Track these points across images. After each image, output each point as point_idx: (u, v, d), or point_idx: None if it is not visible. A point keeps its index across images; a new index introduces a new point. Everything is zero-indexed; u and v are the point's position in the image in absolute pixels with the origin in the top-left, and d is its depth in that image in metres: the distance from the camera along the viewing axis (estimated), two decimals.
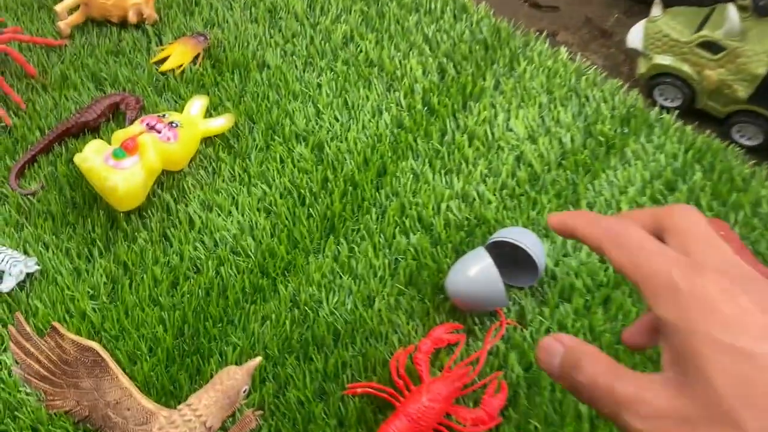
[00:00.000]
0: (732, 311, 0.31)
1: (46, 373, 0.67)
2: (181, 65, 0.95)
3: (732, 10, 0.79)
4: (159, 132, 0.79)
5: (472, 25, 0.98)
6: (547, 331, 0.70)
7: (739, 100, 0.83)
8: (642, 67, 0.90)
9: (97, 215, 0.80)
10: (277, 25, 1.01)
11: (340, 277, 0.75)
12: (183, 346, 0.70)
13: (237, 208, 0.81)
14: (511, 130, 0.86)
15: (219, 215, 0.80)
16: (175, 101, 0.92)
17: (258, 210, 0.80)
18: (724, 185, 0.80)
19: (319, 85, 0.93)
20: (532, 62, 0.93)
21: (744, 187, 0.80)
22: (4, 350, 0.70)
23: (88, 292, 0.74)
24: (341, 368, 0.68)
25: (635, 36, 0.89)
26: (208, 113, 0.90)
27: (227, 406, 0.61)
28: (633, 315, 0.69)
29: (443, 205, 0.79)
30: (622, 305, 0.70)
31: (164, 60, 0.97)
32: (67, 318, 0.72)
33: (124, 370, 0.67)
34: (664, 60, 0.87)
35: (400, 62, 0.94)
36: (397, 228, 0.78)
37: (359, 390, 0.66)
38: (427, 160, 0.84)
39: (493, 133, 0.86)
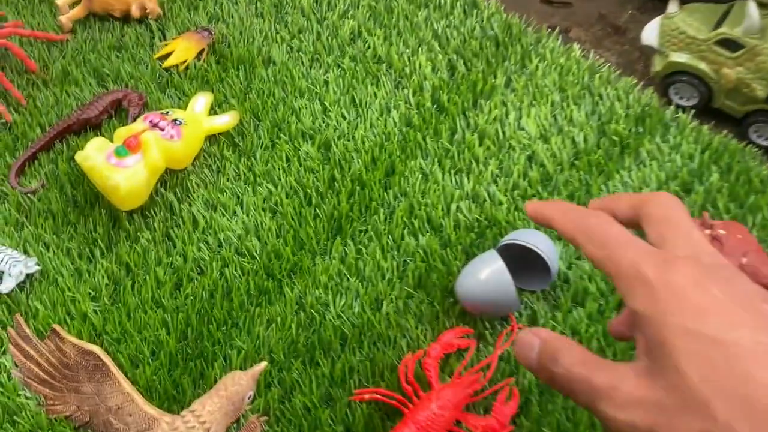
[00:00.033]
0: (701, 300, 0.32)
1: (46, 377, 0.66)
2: (185, 61, 0.94)
3: (752, 7, 0.78)
4: (162, 129, 0.79)
5: (482, 21, 0.97)
6: None
7: (757, 99, 0.82)
8: (657, 65, 0.89)
9: (98, 214, 0.79)
10: (283, 20, 1.00)
11: (348, 279, 0.74)
12: (186, 350, 0.69)
13: (242, 208, 0.80)
14: (522, 129, 0.85)
15: (223, 215, 0.79)
16: (179, 98, 0.92)
17: (263, 210, 0.79)
18: (742, 187, 0.79)
19: (326, 82, 0.92)
20: (544, 59, 0.92)
21: (762, 188, 0.78)
22: (4, 353, 0.69)
23: (90, 294, 0.73)
24: (348, 373, 0.67)
25: (650, 33, 0.88)
26: (213, 110, 0.89)
27: (231, 412, 0.60)
28: None
29: (453, 206, 0.78)
30: None
31: (168, 56, 0.96)
32: (68, 320, 0.71)
33: (126, 374, 0.67)
34: (680, 58, 0.86)
35: (408, 59, 0.93)
36: (406, 229, 0.77)
37: (367, 396, 0.65)
38: (436, 160, 0.83)
39: (504, 132, 0.85)
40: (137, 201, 0.78)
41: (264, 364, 0.62)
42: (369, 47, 0.96)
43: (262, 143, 0.86)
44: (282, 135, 0.86)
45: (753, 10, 0.78)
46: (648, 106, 0.86)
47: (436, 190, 0.80)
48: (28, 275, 0.74)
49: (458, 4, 1.00)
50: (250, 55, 0.95)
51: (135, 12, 1.00)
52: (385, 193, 0.80)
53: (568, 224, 0.41)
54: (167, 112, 0.82)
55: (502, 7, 1.00)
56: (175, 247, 0.77)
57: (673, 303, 0.33)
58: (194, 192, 0.82)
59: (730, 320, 0.32)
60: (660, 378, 0.32)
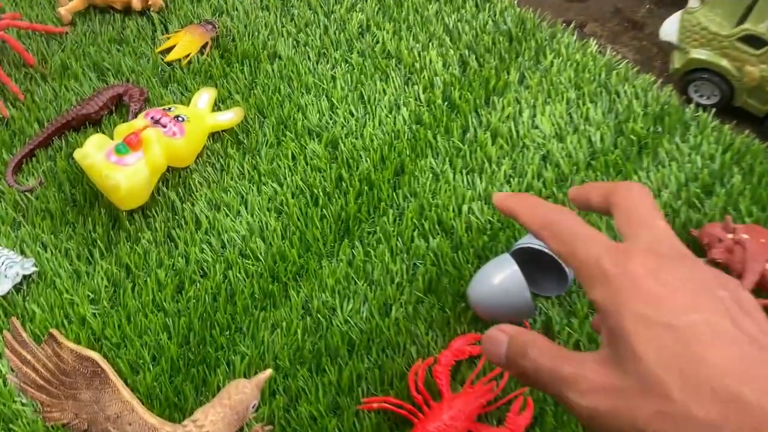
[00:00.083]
0: (655, 288, 0.34)
1: (43, 383, 0.65)
2: (188, 55, 0.93)
3: None
4: (164, 126, 0.78)
5: (495, 15, 0.96)
6: (576, 343, 0.67)
7: None
8: (677, 62, 0.87)
9: (98, 214, 0.78)
10: (289, 13, 0.99)
11: (355, 282, 0.73)
12: (188, 355, 0.68)
13: (246, 208, 0.79)
14: (536, 127, 0.84)
15: (227, 215, 0.78)
16: (182, 93, 0.90)
17: (268, 210, 0.78)
18: (765, 189, 0.77)
19: (334, 78, 0.90)
20: (559, 55, 0.90)
21: None
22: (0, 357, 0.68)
23: (88, 296, 0.72)
24: (356, 381, 0.66)
25: (670, 28, 0.86)
26: (216, 106, 0.88)
27: (235, 422, 0.59)
28: None
29: (465, 207, 0.77)
30: None
31: (170, 49, 0.95)
32: (66, 324, 0.70)
33: (125, 380, 0.65)
34: (701, 54, 0.84)
35: (419, 54, 0.92)
36: (416, 231, 0.76)
37: (375, 405, 0.64)
38: (447, 159, 0.81)
39: (517, 131, 0.83)
40: (138, 200, 0.77)
41: (269, 371, 0.61)
42: (378, 42, 0.94)
43: (268, 141, 0.84)
44: (288, 132, 0.85)
45: None
46: (667, 105, 0.85)
47: (447, 191, 0.79)
48: (24, 277, 0.73)
49: None
50: (255, 49, 0.94)
51: (136, 4, 0.99)
52: (394, 194, 0.79)
53: (533, 219, 0.43)
54: (169, 108, 0.81)
55: (516, 1, 0.98)
56: (177, 248, 0.76)
57: (630, 292, 0.35)
58: (197, 191, 0.80)
59: (683, 306, 0.34)
60: (620, 364, 0.34)
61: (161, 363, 0.67)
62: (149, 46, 0.96)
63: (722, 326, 0.33)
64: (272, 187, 0.80)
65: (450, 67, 0.90)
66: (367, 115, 0.86)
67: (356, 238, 0.76)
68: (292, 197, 0.79)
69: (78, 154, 0.74)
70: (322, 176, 0.81)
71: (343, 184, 0.80)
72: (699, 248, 0.71)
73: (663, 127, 0.83)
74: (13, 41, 0.92)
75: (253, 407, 0.60)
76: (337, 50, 0.94)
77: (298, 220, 0.77)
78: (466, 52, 0.92)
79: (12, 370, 0.66)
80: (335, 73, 0.91)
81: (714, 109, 0.84)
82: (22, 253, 0.76)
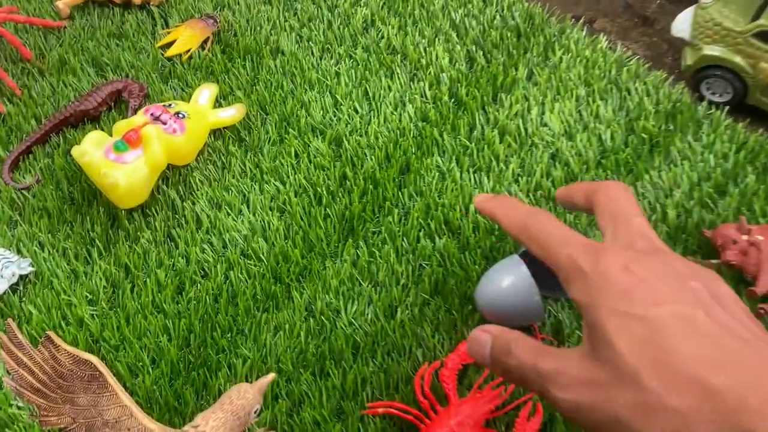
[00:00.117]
0: (627, 282, 0.36)
1: (39, 386, 0.64)
2: (189, 50, 0.92)
3: None
4: (164, 123, 0.77)
5: (503, 10, 0.95)
6: None
7: None
8: (689, 59, 0.86)
9: (96, 213, 0.77)
10: (292, 7, 0.98)
11: (360, 284, 0.72)
12: (189, 358, 0.67)
13: (248, 207, 0.78)
14: (545, 125, 0.83)
15: (229, 214, 0.77)
16: (182, 89, 0.89)
17: (271, 209, 0.77)
18: None
19: (338, 74, 0.89)
20: (568, 51, 0.89)
21: None
22: None
23: (86, 297, 0.72)
24: (361, 385, 0.65)
25: (682, 24, 0.85)
26: (218, 103, 0.87)
27: (237, 427, 0.58)
28: None
29: (472, 207, 0.76)
30: None
31: (170, 44, 0.94)
32: (63, 325, 0.69)
33: (124, 383, 0.65)
34: (714, 51, 0.83)
35: (424, 50, 0.91)
36: (422, 231, 0.75)
37: (380, 410, 0.63)
38: (454, 157, 0.80)
39: (526, 129, 0.82)
40: (137, 199, 0.76)
41: (272, 375, 0.60)
42: (383, 37, 0.93)
43: (270, 138, 0.83)
44: (291, 130, 0.84)
45: None
46: (679, 102, 0.83)
47: (453, 190, 0.78)
48: (21, 277, 0.72)
49: None
50: (257, 44, 0.93)
51: None
52: (399, 193, 0.78)
53: (511, 223, 0.46)
54: (170, 105, 0.80)
55: None
56: (177, 248, 0.75)
57: (604, 288, 0.37)
58: (198, 190, 0.79)
59: (655, 298, 0.35)
60: (597, 358, 0.36)
61: (161, 366, 0.67)
62: (149, 41, 0.95)
63: (694, 316, 0.34)
64: (275, 185, 0.79)
65: (457, 63, 0.89)
66: (372, 112, 0.85)
67: (361, 238, 0.75)
68: (295, 196, 0.78)
69: (76, 151, 0.73)
70: (326, 174, 0.80)
71: (348, 183, 0.79)
72: (713, 250, 0.70)
73: (675, 126, 0.81)
74: (10, 35, 0.91)
75: (255, 412, 0.59)
76: (341, 46, 0.93)
77: (301, 219, 0.76)
78: (473, 48, 0.91)
79: (8, 373, 0.65)
80: (339, 69, 0.90)
81: (727, 107, 0.83)
82: (19, 252, 0.75)
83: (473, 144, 0.81)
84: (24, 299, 0.72)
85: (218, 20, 0.95)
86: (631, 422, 0.34)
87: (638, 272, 0.37)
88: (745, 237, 0.68)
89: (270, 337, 0.68)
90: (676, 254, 0.41)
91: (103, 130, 0.80)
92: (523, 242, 0.43)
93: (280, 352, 0.67)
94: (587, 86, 0.86)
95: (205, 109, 0.84)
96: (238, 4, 0.99)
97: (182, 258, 0.74)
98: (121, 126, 0.76)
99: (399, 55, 0.91)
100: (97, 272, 0.73)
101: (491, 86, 0.86)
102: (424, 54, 0.90)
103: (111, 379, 0.61)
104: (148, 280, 0.72)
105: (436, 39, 0.92)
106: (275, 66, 0.91)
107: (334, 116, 0.85)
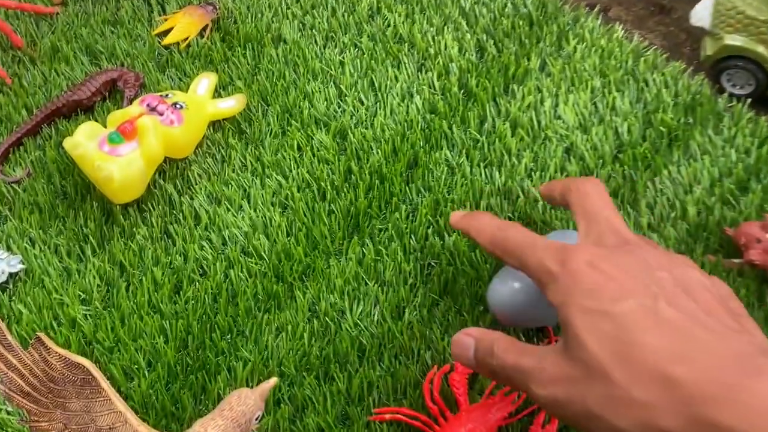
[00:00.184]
0: (594, 279, 0.38)
1: (29, 390, 0.62)
2: (187, 38, 0.91)
3: None
4: (161, 114, 0.76)
5: None
6: None
7: None
8: (709, 49, 0.84)
9: (90, 208, 0.76)
10: None
11: (366, 283, 0.70)
12: (186, 361, 0.66)
13: (249, 202, 0.76)
14: (559, 117, 0.81)
15: (228, 210, 0.76)
16: (180, 79, 0.88)
17: (272, 205, 0.76)
18: None
19: (342, 64, 0.88)
20: (582, 41, 0.87)
21: None
22: None
23: (79, 296, 0.70)
24: (367, 390, 0.64)
25: (702, 12, 0.84)
26: (217, 93, 0.86)
27: None
28: None
29: (483, 203, 0.75)
30: None
31: (168, 32, 0.92)
32: (55, 326, 0.68)
33: (118, 388, 0.63)
34: (736, 41, 0.81)
35: (433, 38, 0.89)
36: (431, 228, 0.73)
37: (387, 416, 0.62)
38: (463, 151, 0.79)
39: (539, 121, 0.80)
40: (133, 193, 0.75)
41: (274, 380, 0.59)
42: (389, 25, 0.91)
43: (272, 130, 0.82)
44: (293, 121, 0.82)
45: None
46: (699, 95, 0.82)
47: (463, 185, 0.76)
48: (10, 274, 0.71)
49: None
50: (258, 32, 0.92)
51: None
52: (407, 188, 0.77)
53: (484, 240, 0.49)
54: (167, 95, 0.79)
55: None
56: (174, 245, 0.74)
57: (572, 287, 0.39)
58: (196, 184, 0.78)
59: (620, 293, 0.37)
60: (570, 355, 0.38)
61: (157, 369, 0.65)
62: (145, 28, 0.94)
63: (656, 308, 0.36)
64: (277, 180, 0.78)
65: (466, 53, 0.88)
66: (378, 104, 0.84)
67: (366, 235, 0.73)
68: (298, 191, 0.77)
69: (68, 143, 0.72)
70: (330, 169, 0.78)
71: (353, 178, 0.77)
72: (735, 248, 0.69)
73: (694, 119, 0.80)
74: (0, 22, 0.90)
75: (256, 419, 0.57)
76: (345, 34, 0.91)
77: (305, 215, 0.75)
78: (484, 37, 0.89)
79: None
80: (344, 58, 0.88)
81: (749, 100, 0.82)
82: (8, 249, 0.74)
83: (484, 137, 0.80)
84: (14, 298, 0.70)
85: (217, 7, 0.94)
86: (602, 415, 0.36)
87: (605, 269, 0.39)
88: None
89: (272, 338, 0.67)
90: (647, 243, 0.43)
91: (97, 121, 0.79)
92: (498, 256, 0.46)
93: (282, 354, 0.66)
94: (603, 77, 0.84)
95: (203, 100, 0.82)
96: None
97: (180, 255, 0.73)
98: (116, 117, 0.75)
99: (406, 44, 0.89)
100: (90, 270, 0.72)
101: (502, 77, 0.84)
102: (432, 43, 0.89)
103: (104, 384, 0.60)
104: (144, 278, 0.71)
105: (445, 27, 0.91)
106: (277, 55, 0.89)
107: (339, 108, 0.84)
